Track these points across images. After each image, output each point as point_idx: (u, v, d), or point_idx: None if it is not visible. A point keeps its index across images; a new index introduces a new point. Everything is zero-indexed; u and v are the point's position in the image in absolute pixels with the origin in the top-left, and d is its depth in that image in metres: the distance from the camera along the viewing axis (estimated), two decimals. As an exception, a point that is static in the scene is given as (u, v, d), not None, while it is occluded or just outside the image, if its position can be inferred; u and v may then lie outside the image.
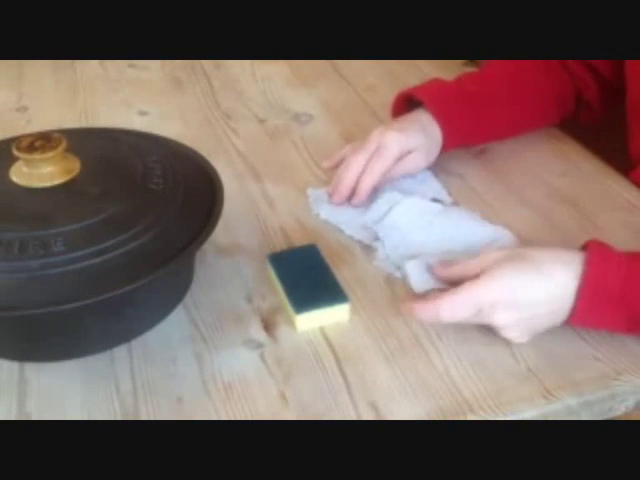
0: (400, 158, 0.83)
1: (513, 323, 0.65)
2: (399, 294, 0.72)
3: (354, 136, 0.95)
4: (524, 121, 0.92)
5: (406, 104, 0.89)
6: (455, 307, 0.64)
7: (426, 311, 0.65)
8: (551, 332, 0.68)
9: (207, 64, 1.16)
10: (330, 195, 0.84)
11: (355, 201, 0.82)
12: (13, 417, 0.61)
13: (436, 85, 0.89)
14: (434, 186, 0.87)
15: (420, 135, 0.84)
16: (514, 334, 0.65)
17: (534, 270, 0.64)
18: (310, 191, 0.86)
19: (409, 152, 0.83)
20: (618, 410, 0.64)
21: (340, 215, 0.82)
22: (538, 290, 0.64)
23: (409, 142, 0.83)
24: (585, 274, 0.63)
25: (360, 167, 0.82)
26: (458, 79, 0.91)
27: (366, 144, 0.83)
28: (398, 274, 0.74)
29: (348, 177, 0.82)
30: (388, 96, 1.05)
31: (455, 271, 0.69)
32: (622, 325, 0.65)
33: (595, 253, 0.64)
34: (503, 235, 0.78)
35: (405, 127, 0.84)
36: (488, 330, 0.68)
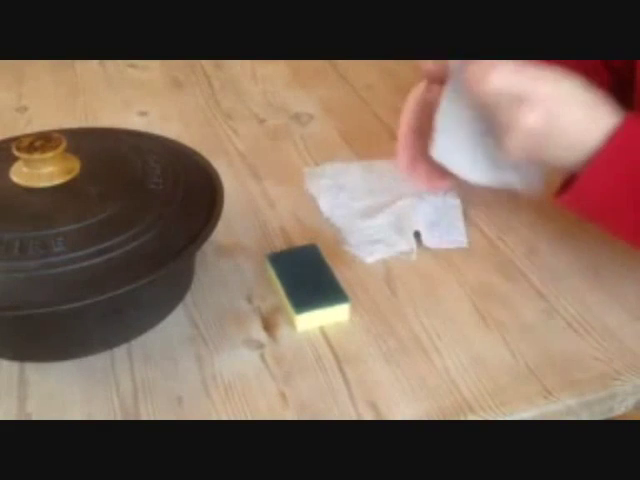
0: None
1: (541, 98, 0.62)
2: (399, 294, 0.72)
3: (354, 136, 0.96)
4: None
5: None
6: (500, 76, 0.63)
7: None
8: (551, 332, 0.68)
9: (207, 64, 1.16)
10: None
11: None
12: (13, 417, 0.61)
13: None
14: None
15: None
16: (534, 116, 0.62)
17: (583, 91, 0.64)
18: (306, 170, 0.88)
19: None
20: (618, 410, 0.64)
21: (325, 195, 0.84)
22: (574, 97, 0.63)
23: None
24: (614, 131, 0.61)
25: None
26: None
27: None
28: (370, 259, 0.76)
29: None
30: (388, 96, 1.05)
31: None
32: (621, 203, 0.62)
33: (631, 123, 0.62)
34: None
35: None
36: (488, 330, 0.68)
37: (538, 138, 0.63)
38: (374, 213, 0.81)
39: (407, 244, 0.77)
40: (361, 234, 0.79)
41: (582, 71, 0.91)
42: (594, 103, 0.63)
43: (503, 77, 0.63)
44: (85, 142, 0.72)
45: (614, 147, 0.61)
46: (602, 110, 0.63)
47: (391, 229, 0.79)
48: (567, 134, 0.63)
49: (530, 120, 0.62)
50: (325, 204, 0.83)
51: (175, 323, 0.69)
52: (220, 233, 0.69)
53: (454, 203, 0.83)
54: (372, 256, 0.76)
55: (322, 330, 0.68)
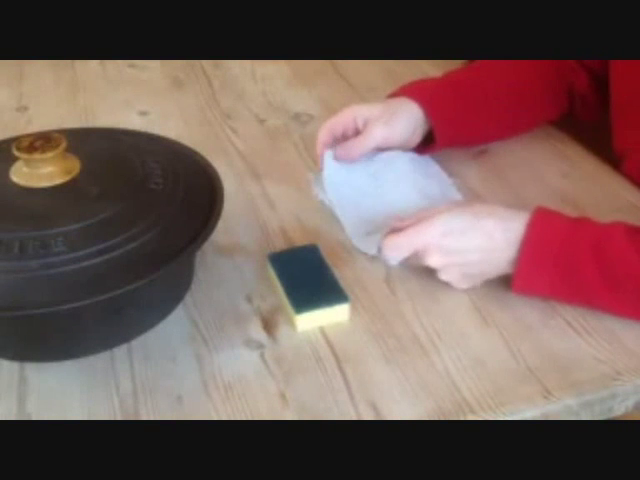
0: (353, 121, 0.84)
1: (445, 267, 0.70)
2: (399, 294, 0.72)
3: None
4: (515, 115, 0.91)
5: None
6: (395, 247, 0.71)
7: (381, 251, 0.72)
8: (551, 332, 0.68)
9: (207, 64, 1.16)
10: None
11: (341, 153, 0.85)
12: (13, 417, 0.61)
13: (421, 81, 0.89)
14: (443, 180, 0.87)
15: (380, 107, 0.84)
16: (450, 277, 0.71)
17: (472, 222, 0.69)
18: (311, 175, 0.88)
19: (366, 123, 0.84)
20: (618, 410, 0.64)
21: (337, 199, 0.84)
22: (471, 240, 0.69)
23: (364, 109, 0.84)
24: (525, 240, 0.67)
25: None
26: (443, 75, 0.91)
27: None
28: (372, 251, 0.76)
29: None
30: (388, 96, 1.05)
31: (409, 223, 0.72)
32: (561, 291, 0.68)
33: (539, 219, 0.68)
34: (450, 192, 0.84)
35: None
36: (488, 330, 0.68)
37: (458, 268, 0.71)
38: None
39: None
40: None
41: (561, 71, 0.91)
42: (489, 222, 0.69)
43: (392, 252, 0.72)
44: (85, 142, 0.72)
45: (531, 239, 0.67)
46: (500, 226, 0.69)
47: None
48: (471, 254, 0.69)
49: (434, 261, 0.70)
50: (336, 202, 0.83)
51: (175, 323, 0.69)
52: (220, 233, 0.69)
53: (456, 198, 0.84)
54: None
55: (322, 330, 0.68)
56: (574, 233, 0.67)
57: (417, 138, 0.85)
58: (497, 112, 0.88)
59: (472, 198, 0.85)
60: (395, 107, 0.84)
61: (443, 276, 0.71)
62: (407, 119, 0.84)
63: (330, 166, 0.85)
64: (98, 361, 0.66)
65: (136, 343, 0.67)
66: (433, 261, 0.70)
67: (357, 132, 0.85)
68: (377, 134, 0.83)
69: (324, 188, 0.85)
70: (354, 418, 0.61)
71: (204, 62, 1.16)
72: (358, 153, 0.84)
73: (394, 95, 0.88)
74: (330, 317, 0.69)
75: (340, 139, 0.86)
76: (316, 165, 0.91)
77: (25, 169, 0.66)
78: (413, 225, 0.70)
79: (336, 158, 0.84)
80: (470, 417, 0.60)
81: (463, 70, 0.92)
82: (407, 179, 0.85)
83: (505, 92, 0.89)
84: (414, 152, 0.88)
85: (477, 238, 0.69)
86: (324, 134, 0.85)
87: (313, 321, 0.68)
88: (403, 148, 0.86)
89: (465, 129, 0.87)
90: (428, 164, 0.89)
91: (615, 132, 0.89)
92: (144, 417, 0.61)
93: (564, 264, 0.66)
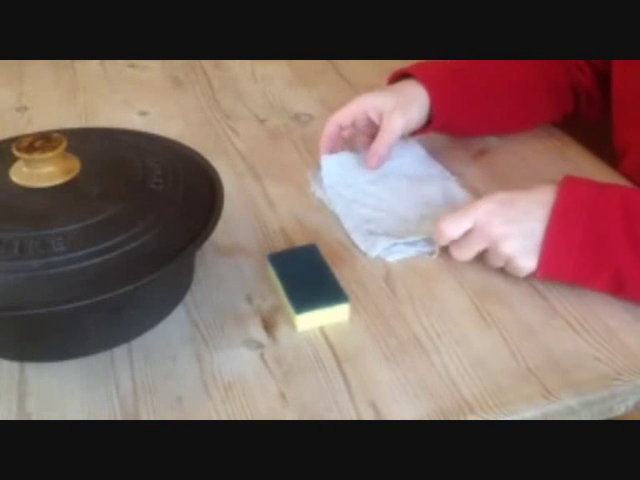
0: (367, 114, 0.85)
1: (507, 235, 0.69)
2: (399, 294, 0.72)
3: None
4: (517, 112, 0.91)
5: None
6: (454, 220, 0.71)
7: (436, 234, 0.73)
8: (551, 332, 0.68)
9: (207, 64, 1.16)
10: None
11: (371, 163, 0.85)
12: (13, 417, 0.61)
13: (428, 63, 0.89)
14: (446, 178, 0.87)
15: (394, 94, 0.84)
16: (511, 248, 0.69)
17: (516, 195, 0.71)
18: (310, 173, 0.88)
19: (382, 114, 0.83)
20: (618, 410, 0.64)
21: (335, 196, 0.84)
22: (525, 207, 0.69)
23: (377, 99, 0.84)
24: (554, 209, 0.67)
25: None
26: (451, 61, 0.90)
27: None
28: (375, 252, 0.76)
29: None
30: (388, 96, 1.05)
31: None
32: (588, 268, 0.67)
33: (565, 187, 0.68)
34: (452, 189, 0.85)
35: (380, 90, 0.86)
36: (488, 330, 0.68)
37: (518, 227, 0.70)
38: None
39: (427, 245, 0.77)
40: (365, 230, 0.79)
41: (567, 70, 0.91)
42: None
43: (452, 228, 0.72)
44: (85, 142, 0.72)
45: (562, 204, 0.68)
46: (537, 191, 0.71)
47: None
48: (530, 213, 0.70)
49: (497, 229, 0.70)
50: (336, 204, 0.83)
51: (175, 323, 0.69)
52: (220, 233, 0.69)
53: (460, 197, 0.84)
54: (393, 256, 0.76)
55: (322, 330, 0.68)
56: (601, 197, 0.67)
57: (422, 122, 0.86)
58: (498, 106, 0.88)
59: (472, 198, 0.85)
60: (408, 95, 0.84)
61: (506, 247, 0.69)
62: (420, 106, 0.84)
63: (329, 171, 0.85)
64: (98, 361, 0.66)
65: (136, 343, 0.67)
66: (495, 229, 0.69)
67: (369, 123, 0.85)
68: (398, 127, 0.82)
69: (323, 187, 0.85)
70: (354, 418, 0.61)
71: (204, 62, 1.16)
72: (385, 152, 0.84)
73: (398, 75, 0.88)
74: (330, 317, 0.69)
75: (348, 129, 0.86)
76: (316, 164, 0.91)
77: (25, 169, 0.66)
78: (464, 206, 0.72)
79: (369, 167, 0.85)
80: (470, 417, 0.60)
81: (470, 61, 0.92)
82: (408, 180, 0.85)
83: (508, 87, 0.88)
84: (413, 149, 0.88)
85: (529, 204, 0.69)
86: (331, 127, 0.85)
87: (313, 321, 0.68)
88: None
89: (464, 118, 0.88)
90: (430, 164, 0.89)
91: (616, 128, 0.89)
92: (144, 417, 0.61)
93: (593, 230, 0.66)
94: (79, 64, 1.16)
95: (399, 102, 0.83)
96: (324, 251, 0.75)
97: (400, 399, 0.62)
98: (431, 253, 0.76)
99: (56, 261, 0.60)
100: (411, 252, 0.76)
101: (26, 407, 0.62)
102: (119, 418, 0.61)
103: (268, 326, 0.69)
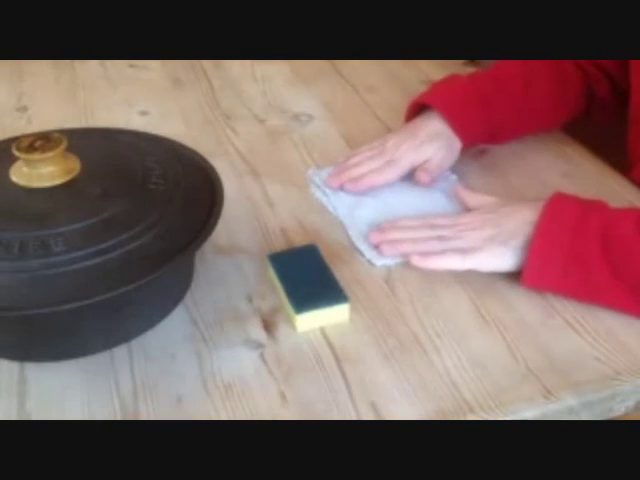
0: (412, 168, 0.85)
1: (479, 224, 0.73)
2: (399, 294, 0.72)
3: (354, 136, 0.96)
4: (536, 122, 0.91)
5: (418, 108, 0.90)
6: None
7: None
8: (551, 332, 0.68)
9: (207, 64, 1.16)
10: (330, 176, 0.86)
11: (351, 187, 0.84)
12: (13, 417, 0.61)
13: (448, 88, 0.89)
14: (445, 178, 0.87)
15: (434, 145, 0.85)
16: (480, 238, 0.72)
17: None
18: (312, 172, 0.88)
19: (423, 162, 0.85)
20: (618, 410, 0.64)
21: (336, 200, 0.84)
22: (503, 205, 0.75)
23: (421, 155, 0.85)
24: (537, 226, 0.69)
25: (368, 171, 0.85)
26: (471, 77, 0.90)
27: (381, 153, 0.86)
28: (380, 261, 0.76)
29: (355, 172, 0.85)
30: (388, 96, 1.05)
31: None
32: (569, 283, 0.69)
33: (552, 204, 0.71)
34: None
35: (418, 139, 0.85)
36: (488, 330, 0.68)
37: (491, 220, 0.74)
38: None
39: None
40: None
41: (586, 80, 0.91)
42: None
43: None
44: (85, 142, 0.72)
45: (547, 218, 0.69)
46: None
47: None
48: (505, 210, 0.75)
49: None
50: (337, 206, 0.83)
51: (175, 323, 0.69)
52: (220, 233, 0.69)
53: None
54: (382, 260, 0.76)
55: (322, 330, 0.68)
56: (585, 220, 0.68)
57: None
58: (517, 115, 0.89)
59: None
60: (450, 141, 0.86)
61: (476, 236, 0.72)
62: (439, 142, 0.85)
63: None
64: (98, 361, 0.66)
65: (136, 343, 0.67)
66: (468, 218, 0.74)
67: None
68: (404, 166, 0.85)
69: (322, 187, 0.85)
70: (354, 418, 0.61)
71: (204, 62, 1.16)
72: (381, 183, 0.85)
73: (416, 107, 0.89)
74: (330, 317, 0.69)
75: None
76: (315, 165, 0.91)
77: (25, 169, 0.66)
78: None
79: (354, 187, 0.85)
80: (470, 417, 0.60)
81: (486, 73, 0.92)
82: (411, 183, 0.85)
83: (527, 99, 0.89)
84: None
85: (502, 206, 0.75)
86: (381, 183, 0.85)
87: (313, 321, 0.68)
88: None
89: (485, 134, 0.89)
90: None
91: (631, 140, 0.89)
92: (144, 417, 0.61)
93: (573, 253, 0.67)
94: (79, 64, 1.16)
95: (447, 154, 0.86)
96: (324, 251, 0.75)
97: (400, 399, 0.62)
98: None
99: (56, 261, 0.60)
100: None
101: (26, 407, 0.62)
102: (119, 418, 0.61)
103: (268, 326, 0.69)
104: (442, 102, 0.86)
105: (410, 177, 0.86)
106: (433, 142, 0.85)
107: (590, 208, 0.70)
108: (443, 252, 0.72)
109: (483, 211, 0.76)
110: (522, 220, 0.71)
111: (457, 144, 0.86)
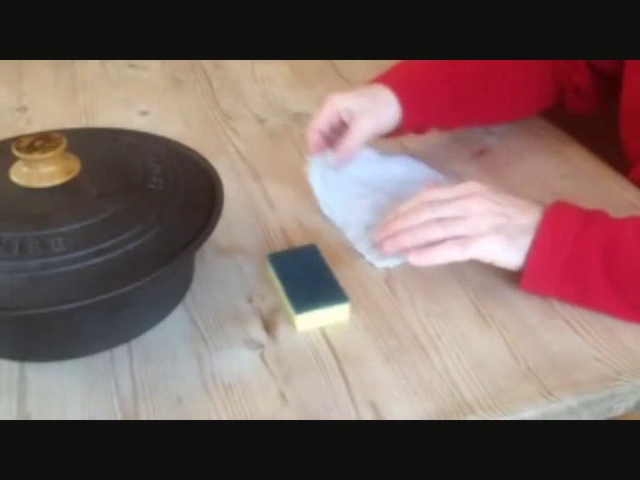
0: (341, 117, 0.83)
1: (488, 213, 0.69)
2: (399, 294, 0.72)
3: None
4: (490, 100, 0.90)
5: None
6: (439, 191, 0.72)
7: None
8: (551, 332, 0.68)
9: (207, 64, 1.16)
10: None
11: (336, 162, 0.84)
12: (13, 417, 0.61)
13: (403, 67, 0.88)
14: (437, 179, 0.87)
15: (365, 98, 0.83)
16: (487, 225, 0.68)
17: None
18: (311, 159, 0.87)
19: (353, 115, 0.82)
20: (618, 410, 0.64)
21: (328, 197, 0.83)
22: (506, 197, 0.71)
23: (348, 101, 0.83)
24: (538, 231, 0.68)
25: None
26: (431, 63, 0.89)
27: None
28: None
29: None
30: (388, 96, 1.05)
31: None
32: (568, 290, 0.68)
33: (554, 211, 0.70)
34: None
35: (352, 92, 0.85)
36: (488, 330, 0.68)
37: (497, 217, 0.70)
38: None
39: None
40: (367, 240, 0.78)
41: (555, 64, 0.90)
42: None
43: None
44: (85, 142, 0.72)
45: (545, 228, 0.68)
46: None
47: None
48: (513, 207, 0.71)
49: (476, 206, 0.70)
50: (328, 202, 0.83)
51: (175, 323, 0.69)
52: (220, 233, 0.69)
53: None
54: (383, 262, 0.76)
55: (322, 330, 0.68)
56: (585, 235, 0.67)
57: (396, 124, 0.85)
58: (476, 101, 0.88)
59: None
60: (378, 99, 0.83)
61: (483, 223, 0.69)
62: (390, 112, 0.83)
63: (317, 174, 0.84)
64: (98, 361, 0.66)
65: (136, 343, 0.67)
66: (476, 205, 0.69)
67: (343, 125, 0.84)
68: (367, 128, 0.82)
69: (316, 174, 0.84)
70: (354, 418, 0.61)
71: (204, 62, 1.16)
72: (351, 151, 0.83)
73: (375, 81, 0.87)
74: (330, 317, 0.69)
75: (329, 134, 0.85)
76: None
77: (25, 169, 0.66)
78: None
79: (334, 166, 0.84)
80: (470, 417, 0.60)
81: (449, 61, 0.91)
82: (402, 184, 0.85)
83: (481, 83, 0.88)
84: (404, 156, 0.88)
85: (510, 198, 0.71)
86: (313, 136, 0.84)
87: (313, 321, 0.68)
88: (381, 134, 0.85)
89: (435, 118, 0.88)
90: (420, 167, 0.88)
91: (626, 139, 0.89)
92: (144, 417, 0.61)
93: (572, 266, 0.67)
94: (79, 64, 1.16)
95: (369, 105, 0.83)
96: (324, 251, 0.75)
97: (400, 399, 0.62)
98: None
99: (56, 261, 0.60)
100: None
101: (26, 407, 0.62)
102: (119, 418, 0.61)
103: (268, 326, 0.69)
104: (388, 77, 0.86)
105: (403, 179, 0.86)
106: (365, 95, 0.84)
107: (590, 219, 0.69)
108: (443, 242, 0.69)
109: (487, 194, 0.71)
110: (535, 219, 0.69)
111: (389, 110, 0.84)
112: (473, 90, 0.88)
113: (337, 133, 0.84)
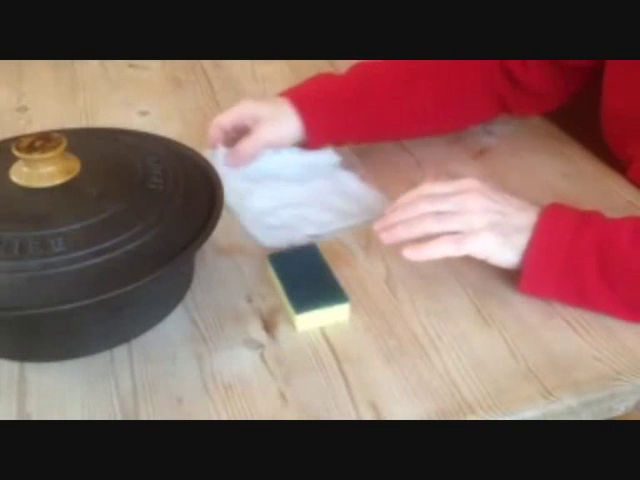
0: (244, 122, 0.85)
1: (486, 210, 0.69)
2: (399, 294, 0.72)
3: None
4: (410, 115, 0.89)
5: None
6: (436, 186, 0.71)
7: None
8: (551, 332, 0.68)
9: (207, 64, 1.16)
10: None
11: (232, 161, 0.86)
12: (13, 417, 0.61)
13: (308, 85, 0.89)
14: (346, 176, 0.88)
15: (270, 108, 0.85)
16: (483, 222, 0.68)
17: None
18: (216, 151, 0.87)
19: (256, 122, 0.84)
20: (618, 410, 0.64)
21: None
22: (504, 195, 0.71)
23: (253, 108, 0.85)
24: (534, 233, 0.68)
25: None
26: (342, 79, 0.90)
27: None
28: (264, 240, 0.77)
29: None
30: (388, 96, 1.04)
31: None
32: (565, 291, 0.68)
33: (549, 214, 0.69)
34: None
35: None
36: (488, 330, 0.68)
37: (494, 215, 0.70)
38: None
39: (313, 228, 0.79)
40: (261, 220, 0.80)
41: (491, 71, 0.90)
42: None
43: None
44: (85, 142, 0.72)
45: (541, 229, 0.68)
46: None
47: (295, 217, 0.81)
48: (511, 206, 0.71)
49: (472, 202, 0.70)
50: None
51: (175, 323, 0.69)
52: (220, 233, 0.69)
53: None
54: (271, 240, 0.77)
55: (322, 330, 0.68)
56: (580, 236, 0.67)
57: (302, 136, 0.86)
58: (384, 115, 0.88)
59: (367, 184, 0.86)
60: (281, 108, 0.85)
61: (479, 219, 0.68)
62: (294, 124, 0.85)
63: (222, 164, 0.84)
64: (98, 361, 0.66)
65: (136, 343, 0.67)
66: (473, 201, 0.69)
67: (247, 129, 0.85)
68: (265, 136, 0.84)
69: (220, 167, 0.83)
70: (354, 418, 0.61)
71: (204, 62, 1.16)
72: (248, 155, 0.85)
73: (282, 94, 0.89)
74: (330, 317, 0.69)
75: (231, 133, 0.87)
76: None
77: (25, 169, 0.66)
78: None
79: (228, 164, 0.84)
80: (470, 417, 0.60)
81: (352, 72, 0.92)
82: (295, 167, 0.86)
83: (399, 97, 0.88)
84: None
85: (507, 197, 0.71)
86: (213, 130, 0.86)
87: (313, 321, 0.68)
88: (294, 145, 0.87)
89: (345, 132, 0.88)
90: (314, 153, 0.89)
91: (611, 142, 0.88)
92: (144, 417, 0.61)
93: (569, 268, 0.67)
94: (79, 64, 1.16)
95: (272, 116, 0.85)
96: (324, 251, 0.75)
97: (400, 399, 0.62)
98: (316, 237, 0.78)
99: (56, 261, 0.60)
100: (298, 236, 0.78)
101: (26, 407, 0.62)
102: (119, 418, 0.61)
103: (268, 326, 0.69)
104: (293, 93, 0.87)
105: (292, 161, 0.87)
106: (270, 104, 0.86)
107: (585, 220, 0.68)
108: (439, 237, 0.68)
109: (486, 191, 0.71)
110: (531, 219, 0.69)
111: (291, 119, 0.85)
112: (391, 105, 0.88)
113: (242, 134, 0.86)
